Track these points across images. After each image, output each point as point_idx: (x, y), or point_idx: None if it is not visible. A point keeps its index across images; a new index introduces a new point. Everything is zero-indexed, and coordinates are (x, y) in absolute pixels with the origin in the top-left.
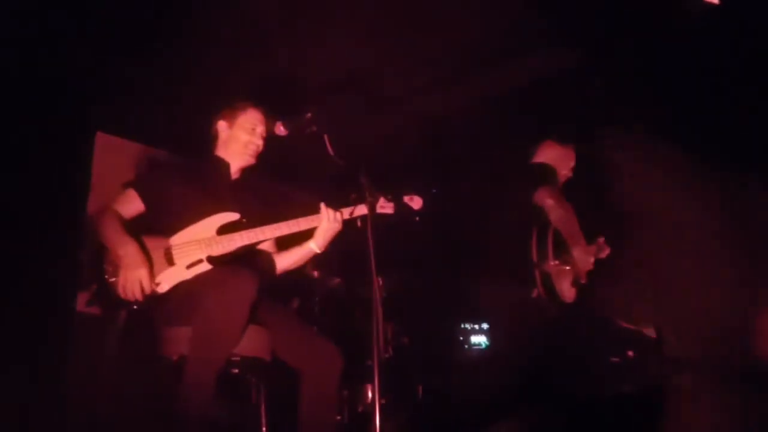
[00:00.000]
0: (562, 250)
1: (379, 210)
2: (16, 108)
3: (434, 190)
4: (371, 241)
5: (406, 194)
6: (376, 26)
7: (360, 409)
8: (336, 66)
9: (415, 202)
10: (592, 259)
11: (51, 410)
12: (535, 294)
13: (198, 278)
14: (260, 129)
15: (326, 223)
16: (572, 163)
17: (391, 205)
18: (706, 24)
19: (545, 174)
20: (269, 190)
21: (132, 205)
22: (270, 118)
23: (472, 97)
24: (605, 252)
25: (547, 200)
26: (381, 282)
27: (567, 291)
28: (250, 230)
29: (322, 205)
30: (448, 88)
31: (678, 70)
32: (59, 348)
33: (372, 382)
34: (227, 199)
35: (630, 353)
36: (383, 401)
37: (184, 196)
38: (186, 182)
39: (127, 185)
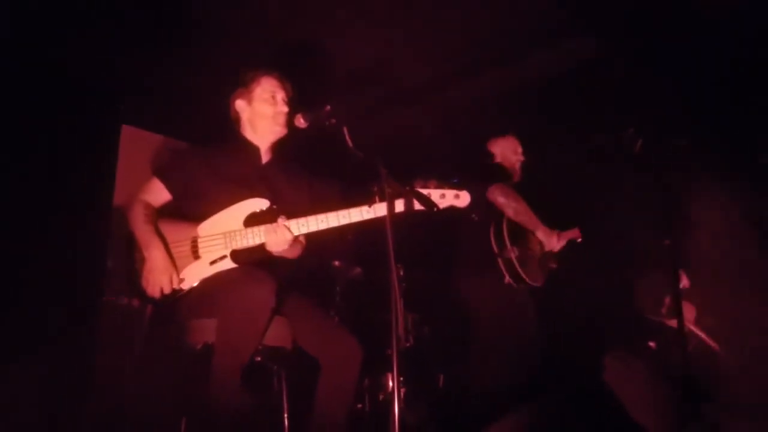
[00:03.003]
0: (521, 238)
1: (406, 208)
2: (46, 104)
3: (455, 180)
4: (390, 232)
5: (449, 188)
6: (395, 18)
7: (381, 398)
8: (357, 57)
9: (462, 199)
10: (556, 240)
11: (78, 395)
12: (506, 280)
13: (219, 277)
14: (280, 95)
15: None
16: (519, 149)
17: (402, 201)
18: (727, 15)
19: (495, 173)
20: (301, 174)
21: (158, 194)
22: (285, 80)
23: (491, 88)
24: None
25: (498, 198)
26: (401, 272)
27: (534, 275)
28: (296, 220)
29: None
30: (469, 79)
31: (698, 62)
32: (86, 335)
33: (398, 371)
34: (257, 184)
35: (652, 344)
36: (404, 390)
37: (210, 183)
38: (212, 168)
39: (153, 174)
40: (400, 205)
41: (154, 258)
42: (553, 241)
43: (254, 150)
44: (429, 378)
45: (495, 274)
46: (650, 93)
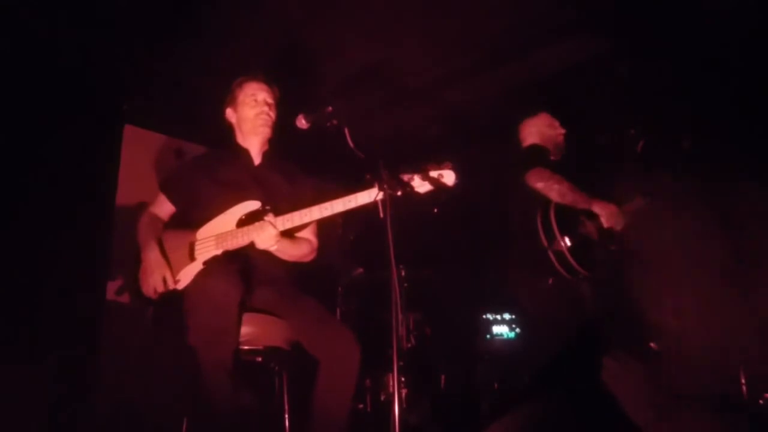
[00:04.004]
0: (572, 223)
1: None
2: (49, 103)
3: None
4: (390, 233)
5: (432, 169)
6: (398, 16)
7: (382, 398)
8: (359, 57)
9: (447, 178)
10: (618, 213)
11: (81, 395)
12: (550, 282)
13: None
14: (262, 96)
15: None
16: (556, 122)
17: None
18: (732, 14)
19: (532, 156)
20: (295, 171)
21: (164, 206)
22: (272, 82)
23: (495, 87)
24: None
25: (537, 185)
26: (403, 272)
27: (591, 263)
28: (281, 217)
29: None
30: (472, 78)
31: (701, 60)
32: (89, 335)
33: (398, 372)
34: (251, 186)
35: (653, 345)
36: (406, 391)
37: (207, 190)
38: (208, 176)
39: (159, 188)
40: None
41: (148, 259)
42: (614, 214)
43: (246, 153)
44: (431, 378)
45: (546, 270)
46: (653, 93)
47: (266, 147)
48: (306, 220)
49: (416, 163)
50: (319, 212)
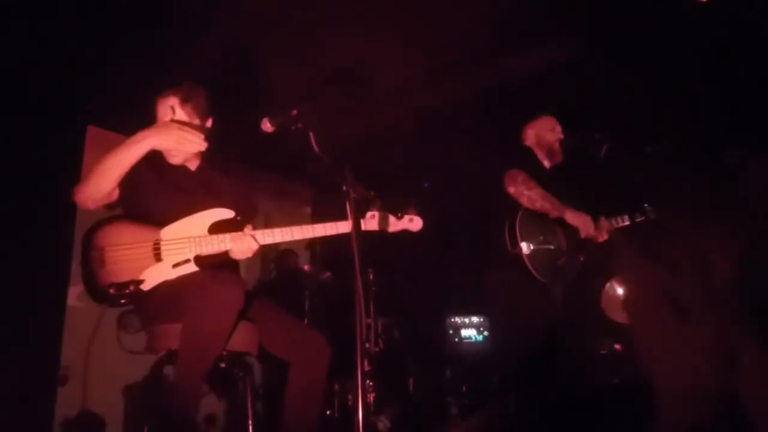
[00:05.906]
0: (539, 230)
1: (365, 227)
2: (9, 103)
3: (426, 184)
4: (355, 239)
5: (405, 213)
6: (368, 18)
7: (350, 403)
8: (329, 60)
9: (415, 223)
10: (591, 224)
11: (41, 401)
12: (518, 279)
13: (184, 280)
14: (167, 119)
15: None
16: (557, 127)
17: (375, 221)
18: (696, 19)
19: (518, 159)
20: (234, 172)
21: None
22: (188, 94)
23: (466, 90)
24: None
25: (510, 189)
26: (371, 276)
27: (552, 271)
28: (260, 231)
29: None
30: (443, 81)
31: (669, 61)
32: (51, 342)
33: (362, 376)
34: (197, 189)
35: (617, 347)
36: (374, 395)
37: (154, 190)
38: (157, 174)
39: None
40: (373, 224)
41: (147, 131)
42: (589, 225)
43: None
44: (400, 382)
45: (508, 271)
46: (624, 98)
47: (200, 154)
48: (287, 238)
49: (386, 198)
50: (300, 233)
